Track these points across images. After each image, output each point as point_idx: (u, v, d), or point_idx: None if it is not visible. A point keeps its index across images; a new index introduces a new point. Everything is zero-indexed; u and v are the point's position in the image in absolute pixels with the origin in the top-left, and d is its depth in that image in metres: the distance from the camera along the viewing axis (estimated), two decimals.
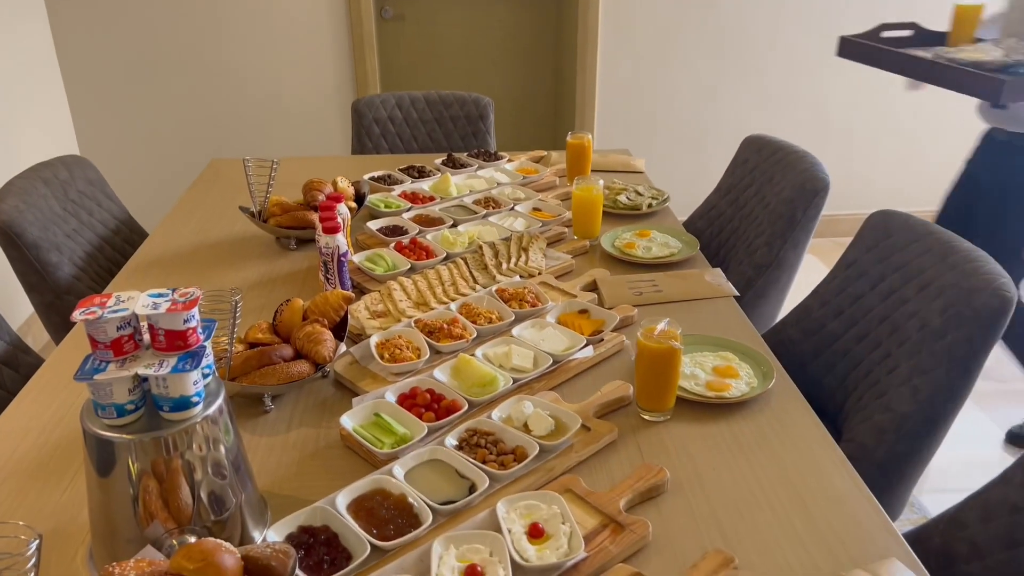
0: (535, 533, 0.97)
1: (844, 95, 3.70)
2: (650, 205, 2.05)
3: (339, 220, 1.58)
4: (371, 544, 0.95)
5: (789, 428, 1.24)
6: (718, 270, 1.71)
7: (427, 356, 1.35)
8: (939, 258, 1.57)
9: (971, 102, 2.20)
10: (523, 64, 4.13)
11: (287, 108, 3.55)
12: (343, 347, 1.33)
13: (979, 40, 1.95)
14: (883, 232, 1.75)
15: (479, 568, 0.91)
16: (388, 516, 1.00)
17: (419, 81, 4.00)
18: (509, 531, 0.96)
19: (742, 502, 1.08)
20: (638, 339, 1.22)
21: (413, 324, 1.43)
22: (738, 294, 1.65)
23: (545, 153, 2.44)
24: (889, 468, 1.49)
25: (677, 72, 3.63)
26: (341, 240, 1.57)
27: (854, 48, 2.10)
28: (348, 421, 1.17)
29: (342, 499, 1.02)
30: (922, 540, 1.31)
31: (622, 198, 2.07)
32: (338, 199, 1.70)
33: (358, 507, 1.02)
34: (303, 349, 1.29)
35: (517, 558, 0.92)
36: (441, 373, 1.29)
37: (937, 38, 2.23)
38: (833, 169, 3.77)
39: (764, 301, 2.08)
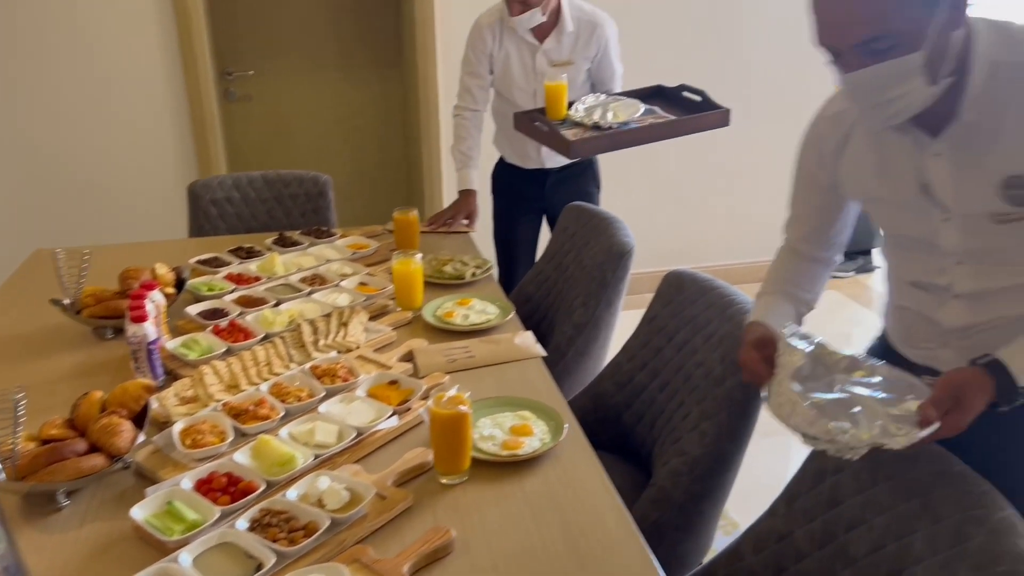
0: None
1: (675, 161, 3.97)
2: (474, 274, 2.15)
3: (147, 308, 1.59)
4: None
5: (575, 481, 1.32)
6: (528, 333, 1.82)
7: (231, 439, 1.37)
8: (719, 310, 1.73)
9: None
10: (372, 139, 4.24)
11: (124, 193, 3.49)
12: (143, 437, 1.34)
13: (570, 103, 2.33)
14: (676, 289, 1.90)
15: None
16: None
17: (269, 160, 4.03)
18: None
19: (524, 557, 1.15)
20: (430, 407, 1.29)
21: (220, 408, 1.45)
22: (545, 354, 1.75)
23: (380, 229, 2.52)
24: (688, 508, 1.60)
25: None
26: (149, 328, 1.57)
27: (519, 122, 2.35)
28: (139, 512, 1.18)
29: None
30: (710, 574, 1.42)
31: (448, 268, 2.16)
32: (151, 287, 1.71)
33: None
34: (99, 442, 1.29)
35: None
36: (241, 456, 1.31)
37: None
38: (666, 228, 4.02)
39: (586, 358, 2.20)
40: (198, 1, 3.34)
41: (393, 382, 1.56)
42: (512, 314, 1.91)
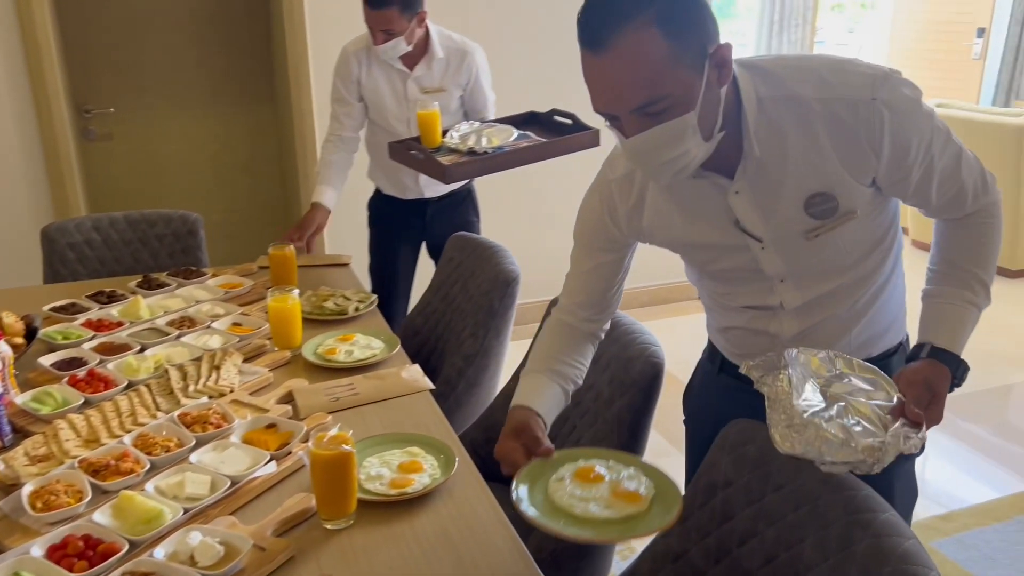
0: None
1: (559, 190, 4.02)
2: (357, 309, 2.08)
3: None
4: None
5: (468, 515, 1.28)
6: (415, 366, 1.76)
7: (89, 498, 1.24)
8: (608, 334, 1.73)
9: None
10: (246, 175, 4.09)
11: None
12: None
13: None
14: None
15: None
16: None
17: (135, 202, 3.82)
18: None
19: None
20: (310, 449, 1.22)
21: (76, 464, 1.32)
22: (433, 387, 1.70)
23: (255, 266, 2.41)
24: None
25: None
26: None
27: (394, 151, 2.36)
28: None
29: None
30: None
31: (329, 304, 2.08)
32: None
33: None
34: None
35: None
36: (101, 515, 1.19)
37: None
38: (551, 257, 4.04)
39: (478, 389, 2.16)
40: (49, 36, 3.14)
41: (271, 426, 1.47)
42: (398, 348, 1.85)
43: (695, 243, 1.28)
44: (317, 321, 2.01)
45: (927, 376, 1.17)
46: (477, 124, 2.38)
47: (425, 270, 2.73)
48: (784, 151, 1.14)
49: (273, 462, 1.35)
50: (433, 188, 2.68)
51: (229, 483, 1.28)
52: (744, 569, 1.20)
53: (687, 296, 4.35)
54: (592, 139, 2.32)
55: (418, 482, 1.32)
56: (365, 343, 1.87)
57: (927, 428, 1.09)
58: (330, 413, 1.56)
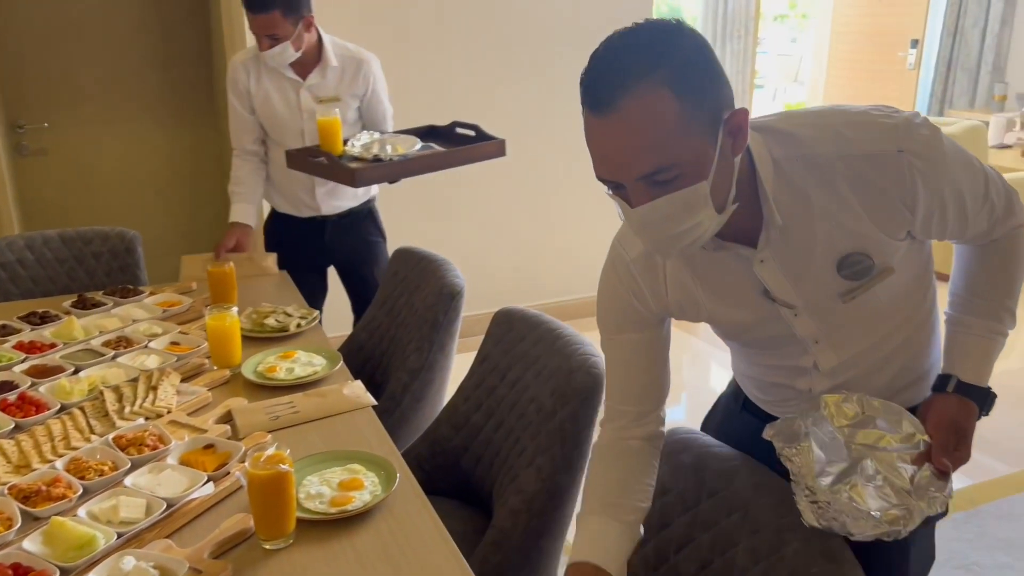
0: None
1: (503, 202, 4.04)
2: (299, 325, 2.07)
3: None
4: None
5: (409, 532, 1.28)
6: (357, 382, 1.76)
7: (19, 525, 1.21)
8: (548, 345, 1.75)
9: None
10: (186, 192, 4.03)
11: None
12: None
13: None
14: (506, 327, 1.91)
15: None
16: None
17: (71, 219, 3.71)
18: None
19: None
20: (246, 469, 1.21)
21: (6, 492, 1.29)
22: (375, 403, 1.69)
23: (194, 284, 2.38)
24: (528, 547, 1.59)
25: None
26: None
27: (294, 160, 2.34)
28: None
29: None
30: None
31: (270, 321, 2.06)
32: None
33: None
34: None
35: None
36: (31, 543, 1.17)
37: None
38: (496, 269, 4.05)
39: (423, 404, 2.16)
40: None
41: (209, 446, 1.45)
42: (340, 364, 1.84)
43: (725, 317, 1.20)
44: (258, 339, 1.99)
45: (954, 417, 1.14)
46: (377, 135, 2.38)
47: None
48: (809, 213, 1.07)
49: (210, 483, 1.33)
50: (330, 204, 2.61)
51: (165, 506, 1.26)
52: (680, 575, 1.23)
53: None
54: (499, 148, 2.40)
55: (358, 499, 1.31)
56: (306, 360, 1.85)
57: (954, 469, 1.08)
58: (270, 432, 1.55)
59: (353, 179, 2.18)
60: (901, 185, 1.04)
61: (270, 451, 1.21)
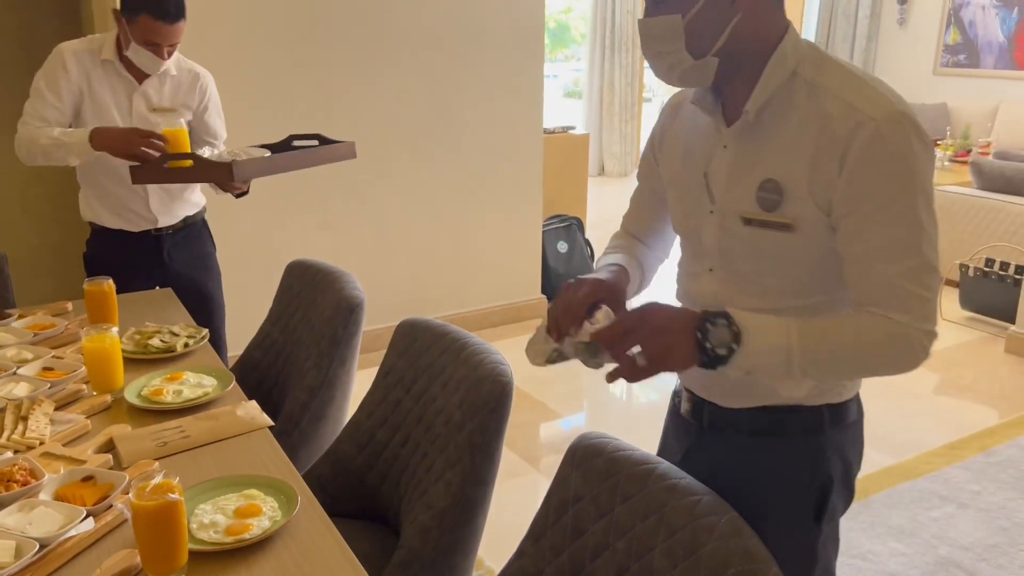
0: None
1: (400, 213, 3.97)
2: (187, 345, 1.94)
3: None
4: None
5: (312, 557, 1.20)
6: (252, 403, 1.66)
7: None
8: (454, 355, 1.70)
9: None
10: (58, 207, 3.77)
11: None
12: None
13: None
14: (411, 338, 1.85)
15: None
16: None
17: None
18: None
19: None
20: (130, 500, 1.10)
21: None
22: (272, 423, 1.60)
23: (69, 305, 2.21)
24: (439, 564, 1.53)
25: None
26: None
27: (143, 173, 2.16)
28: None
29: None
30: None
31: (155, 341, 1.93)
32: None
33: None
34: None
35: None
36: None
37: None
38: (397, 281, 3.97)
39: (324, 422, 2.07)
40: None
41: (88, 478, 1.33)
42: (232, 384, 1.74)
43: (674, 181, 1.30)
44: (141, 360, 1.86)
45: (664, 324, 1.06)
46: (221, 149, 2.31)
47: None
48: (778, 131, 1.11)
49: (90, 519, 1.22)
50: (168, 215, 2.45)
51: (38, 547, 1.14)
52: None
53: (536, 314, 4.41)
54: (349, 150, 2.45)
55: (257, 527, 1.23)
56: (196, 381, 1.74)
57: (614, 358, 1.10)
58: (157, 460, 1.44)
59: (232, 172, 2.07)
60: (849, 140, 1.05)
61: (157, 479, 1.11)
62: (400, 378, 1.83)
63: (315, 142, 2.45)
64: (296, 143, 2.46)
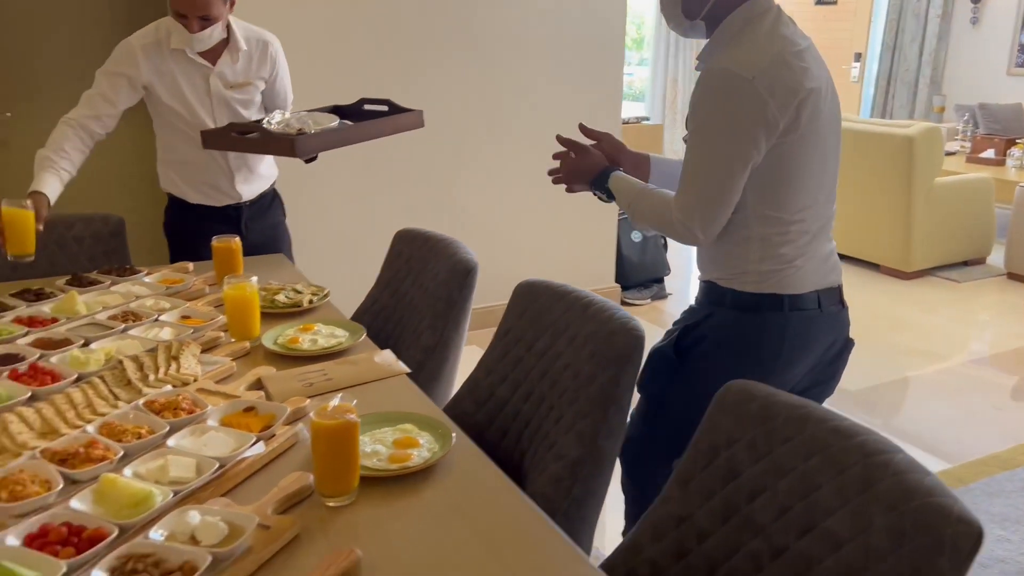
0: None
1: (481, 194, 4.02)
2: (311, 301, 2.00)
3: None
4: None
5: (474, 485, 1.23)
6: (387, 351, 1.70)
7: (60, 487, 1.13)
8: (579, 312, 1.72)
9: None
10: (128, 177, 3.86)
11: None
12: None
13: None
14: (529, 298, 1.88)
15: None
16: None
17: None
18: None
19: (440, 567, 1.04)
20: (311, 420, 1.15)
21: (39, 455, 1.20)
22: (409, 371, 1.64)
23: (191, 266, 2.28)
24: (571, 513, 1.55)
25: (325, 178, 3.68)
26: None
27: (212, 139, 2.20)
28: None
29: None
30: (610, 571, 1.37)
31: (280, 297, 1.99)
32: None
33: None
34: None
35: None
36: (80, 502, 1.08)
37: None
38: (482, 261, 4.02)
39: (438, 383, 2.11)
40: None
41: (249, 409, 1.38)
42: (364, 335, 1.79)
43: None
44: (269, 315, 1.92)
45: (586, 165, 1.79)
46: (288, 115, 2.28)
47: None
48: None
49: (261, 442, 1.27)
50: (251, 188, 2.50)
51: (217, 465, 1.19)
52: (756, 524, 1.21)
53: None
54: (417, 119, 2.43)
55: (418, 456, 1.26)
56: (328, 332, 1.79)
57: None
58: (306, 399, 1.48)
59: (293, 148, 2.06)
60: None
61: (336, 401, 1.15)
62: (520, 337, 1.86)
63: (385, 107, 2.45)
64: (366, 107, 2.46)
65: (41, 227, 2.03)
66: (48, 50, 3.54)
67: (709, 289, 1.74)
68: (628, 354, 1.56)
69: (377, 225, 3.73)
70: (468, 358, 1.95)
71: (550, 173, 1.84)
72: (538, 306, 1.85)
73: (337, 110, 2.43)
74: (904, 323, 4.32)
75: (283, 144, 2.06)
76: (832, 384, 1.79)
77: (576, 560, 1.07)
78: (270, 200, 2.62)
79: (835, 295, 1.70)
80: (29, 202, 2.00)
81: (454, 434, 1.33)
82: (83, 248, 2.53)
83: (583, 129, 1.90)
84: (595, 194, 1.79)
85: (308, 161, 2.40)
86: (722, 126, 1.51)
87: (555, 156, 1.84)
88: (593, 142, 1.88)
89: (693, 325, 1.75)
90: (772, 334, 1.66)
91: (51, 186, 2.12)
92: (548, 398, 1.72)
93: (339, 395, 1.17)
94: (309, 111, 2.34)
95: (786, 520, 1.17)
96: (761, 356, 1.67)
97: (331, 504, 1.16)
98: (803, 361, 1.71)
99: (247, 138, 2.13)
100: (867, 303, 4.61)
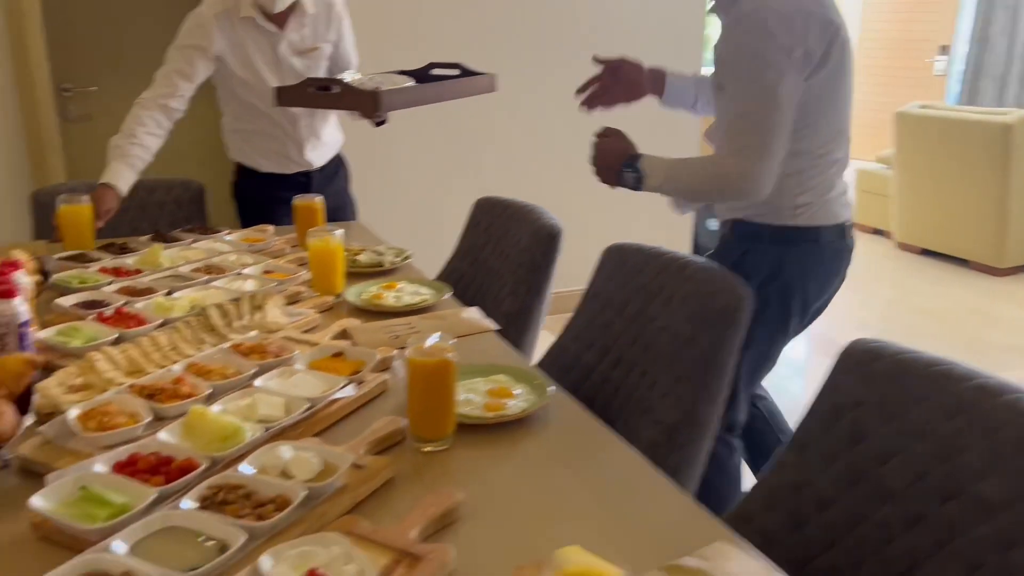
0: None
1: (554, 176, 3.93)
2: (392, 262, 1.95)
3: (16, 283, 1.28)
4: None
5: (577, 436, 1.16)
6: (474, 308, 1.64)
7: (148, 420, 1.09)
8: (675, 273, 1.63)
9: None
10: (194, 145, 3.88)
11: None
12: (31, 420, 1.03)
13: None
14: (619, 261, 1.79)
15: None
16: None
17: None
18: None
19: (548, 515, 0.96)
20: (408, 359, 1.08)
21: (127, 390, 1.16)
22: (498, 327, 1.57)
23: (271, 228, 2.25)
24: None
25: (404, 147, 3.65)
26: (20, 307, 1.26)
27: (287, 95, 2.10)
28: (42, 501, 0.88)
29: None
30: None
31: (362, 257, 1.94)
32: (15, 265, 1.38)
33: None
34: None
35: None
36: (168, 435, 1.04)
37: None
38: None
39: (520, 350, 2.03)
40: (36, 11, 2.96)
41: (338, 354, 1.32)
42: (449, 293, 1.72)
43: None
44: (351, 274, 1.87)
45: (615, 148, 1.75)
46: (359, 75, 2.20)
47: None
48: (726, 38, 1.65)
49: (351, 385, 1.21)
50: (319, 155, 2.44)
51: (307, 404, 1.13)
52: (888, 489, 1.09)
53: None
54: (490, 84, 2.38)
55: (513, 406, 1.19)
56: (412, 290, 1.73)
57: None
58: (394, 350, 1.42)
59: (378, 103, 1.99)
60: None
61: (432, 340, 1.08)
62: (608, 301, 1.77)
63: (456, 71, 2.37)
64: (435, 71, 2.39)
65: (101, 224, 2.01)
66: (135, 24, 3.59)
67: (741, 227, 1.75)
68: (731, 314, 1.46)
69: (448, 197, 3.68)
70: (543, 341, 1.87)
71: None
72: (629, 268, 1.76)
73: (403, 75, 2.37)
74: (998, 320, 4.09)
75: (365, 99, 2.00)
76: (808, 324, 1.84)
77: (698, 515, 0.98)
78: (337, 166, 2.58)
79: (851, 230, 1.78)
80: (87, 198, 1.97)
81: (551, 388, 1.25)
82: (164, 213, 2.54)
83: (597, 58, 1.92)
84: (624, 178, 1.73)
85: (378, 124, 2.34)
86: (769, 62, 1.52)
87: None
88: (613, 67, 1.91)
89: (729, 267, 1.64)
90: (811, 266, 1.72)
91: (122, 176, 2.08)
92: (640, 363, 1.63)
93: (435, 335, 1.09)
94: (377, 73, 2.29)
95: (924, 485, 1.06)
96: (806, 289, 1.73)
97: (426, 450, 1.09)
98: (828, 293, 1.79)
99: (326, 94, 2.08)
100: (958, 300, 4.37)
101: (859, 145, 7.21)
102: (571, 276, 3.35)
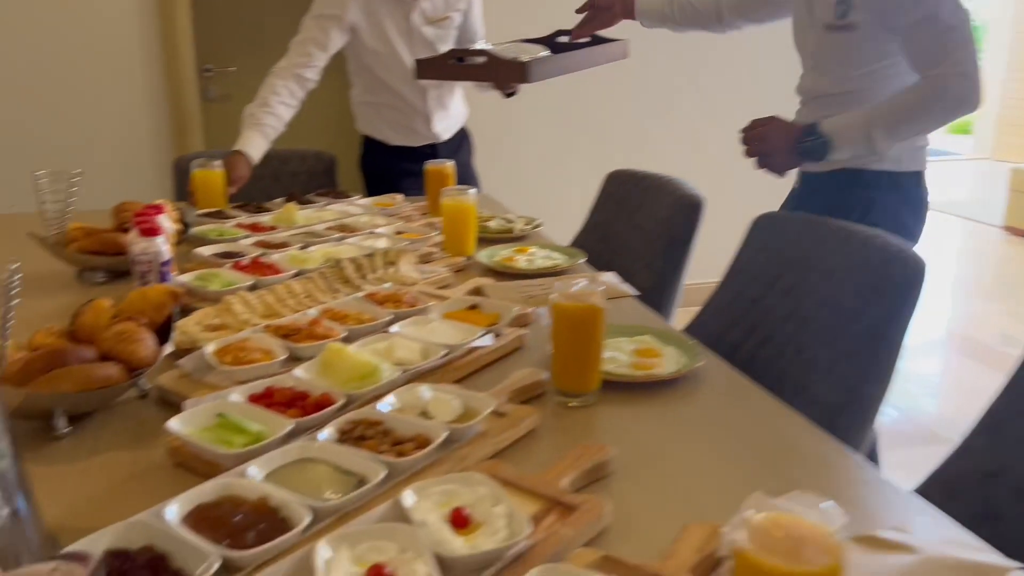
0: (459, 522, 0.69)
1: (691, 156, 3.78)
2: (523, 229, 1.88)
3: (160, 224, 1.28)
4: (222, 558, 0.63)
5: (736, 400, 1.05)
6: (611, 273, 1.54)
7: (284, 357, 1.05)
8: (838, 243, 1.48)
9: None
10: (318, 117, 3.93)
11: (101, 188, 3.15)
12: (170, 349, 1.02)
13: None
14: (770, 232, 1.65)
15: (386, 569, 0.62)
16: (245, 523, 0.69)
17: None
18: (423, 522, 0.68)
19: (710, 479, 0.86)
20: (553, 304, 1.00)
21: (263, 330, 1.13)
22: (638, 293, 1.47)
23: (400, 197, 2.23)
24: None
25: (526, 120, 3.59)
26: (163, 245, 1.26)
27: (428, 68, 2.02)
28: (179, 425, 0.85)
29: (173, 509, 0.70)
30: None
31: (492, 224, 1.88)
32: (159, 209, 1.39)
33: (198, 518, 0.70)
34: (112, 351, 0.96)
35: (441, 551, 0.64)
36: (304, 372, 1.00)
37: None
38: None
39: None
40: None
41: (473, 307, 1.26)
42: (583, 259, 1.64)
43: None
44: (482, 239, 1.81)
45: (780, 129, 1.60)
46: (491, 45, 2.10)
47: None
48: None
49: (490, 335, 1.14)
50: (446, 127, 2.40)
51: (445, 351, 1.07)
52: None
53: None
54: (623, 50, 2.27)
55: (663, 366, 1.09)
56: (544, 255, 1.66)
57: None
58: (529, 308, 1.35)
59: (525, 73, 1.93)
60: None
61: (580, 284, 1.00)
62: (757, 275, 1.63)
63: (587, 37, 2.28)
64: (561, 39, 2.30)
65: (234, 189, 2.03)
66: (274, 5, 3.69)
67: (855, 178, 1.65)
68: (907, 285, 1.31)
69: (573, 172, 3.59)
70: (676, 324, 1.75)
71: (746, 155, 1.65)
72: (783, 239, 1.62)
73: (532, 43, 2.29)
74: None
75: (513, 69, 1.94)
76: None
77: (887, 487, 0.86)
78: (461, 139, 2.54)
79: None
80: (219, 163, 1.99)
81: (701, 350, 1.15)
82: (296, 183, 2.57)
83: (579, 10, 2.01)
84: (804, 152, 1.58)
85: (508, 95, 2.29)
86: None
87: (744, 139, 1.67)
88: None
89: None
90: (921, 211, 1.69)
91: (254, 144, 2.10)
92: (795, 340, 1.49)
93: (582, 280, 1.01)
94: (509, 43, 2.23)
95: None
96: (916, 235, 1.67)
97: (571, 404, 1.01)
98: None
99: (470, 65, 2.03)
100: None
101: (1013, 145, 6.62)
102: (696, 269, 3.19)
